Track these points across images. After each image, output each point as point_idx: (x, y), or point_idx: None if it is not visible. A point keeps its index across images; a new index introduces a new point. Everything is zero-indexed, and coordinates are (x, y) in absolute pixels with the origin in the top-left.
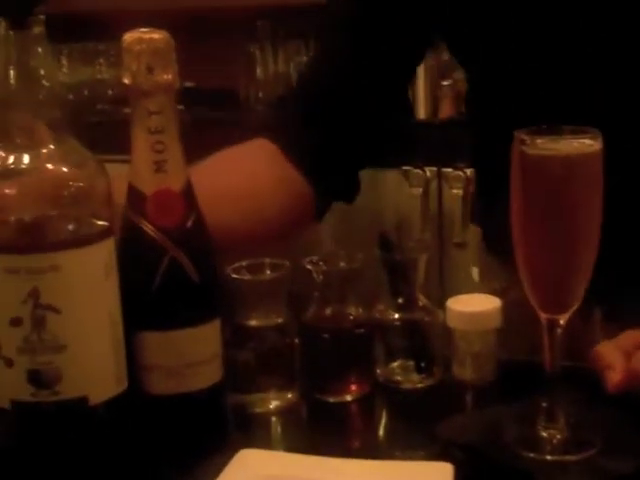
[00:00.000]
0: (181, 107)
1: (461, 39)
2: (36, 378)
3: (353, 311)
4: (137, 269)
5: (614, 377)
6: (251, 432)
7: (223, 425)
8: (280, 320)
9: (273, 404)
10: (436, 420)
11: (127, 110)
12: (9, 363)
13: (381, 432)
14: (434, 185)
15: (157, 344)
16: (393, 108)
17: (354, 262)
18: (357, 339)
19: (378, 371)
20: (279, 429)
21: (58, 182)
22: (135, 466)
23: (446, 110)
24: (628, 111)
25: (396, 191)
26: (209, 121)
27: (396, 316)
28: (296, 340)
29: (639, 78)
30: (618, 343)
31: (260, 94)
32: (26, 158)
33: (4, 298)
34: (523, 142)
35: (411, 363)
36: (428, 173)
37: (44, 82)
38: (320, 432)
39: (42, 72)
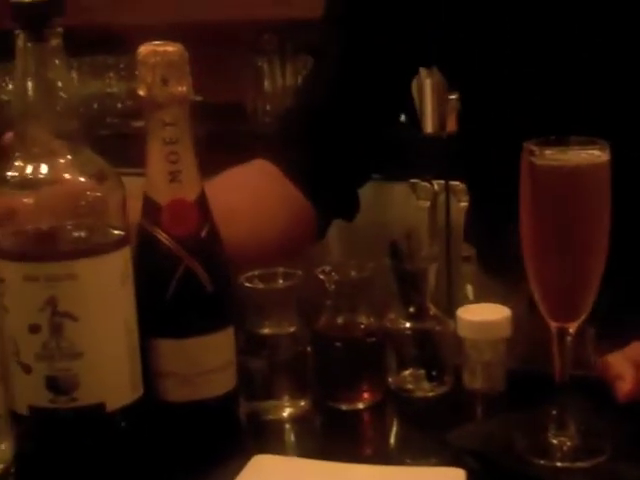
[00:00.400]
0: None
1: (453, 58)
2: (54, 384)
3: (364, 320)
4: (152, 278)
5: (624, 387)
6: (264, 439)
7: (237, 432)
8: (292, 329)
9: (286, 412)
10: (447, 428)
11: (136, 124)
12: (27, 369)
13: (393, 439)
14: (442, 198)
15: (172, 352)
16: (389, 124)
17: (365, 271)
18: (369, 348)
19: (390, 379)
20: (292, 436)
21: (75, 192)
22: (150, 472)
23: (453, 124)
24: (628, 123)
25: (404, 204)
26: (217, 134)
27: (407, 325)
28: (308, 348)
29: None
30: (626, 354)
31: (268, 107)
32: (44, 168)
33: (23, 305)
34: (532, 153)
35: (422, 372)
36: (436, 186)
37: (61, 94)
38: (332, 439)
39: (59, 84)
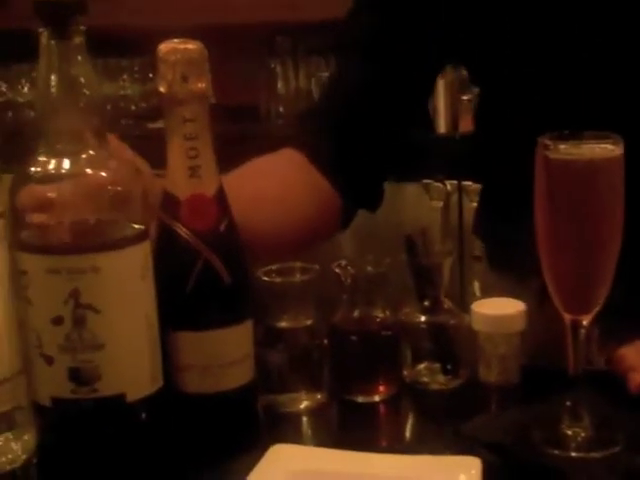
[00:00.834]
0: None
1: (475, 52)
2: (76, 376)
3: (380, 314)
4: (172, 271)
5: (637, 378)
6: (282, 431)
7: (255, 423)
8: (309, 322)
9: (303, 404)
10: (462, 420)
11: (151, 125)
12: (50, 361)
13: (408, 432)
14: (455, 198)
15: (191, 344)
16: (413, 120)
17: (381, 266)
18: (384, 341)
19: (405, 373)
20: (309, 428)
21: (97, 186)
22: (170, 461)
23: (466, 124)
24: None
25: (417, 204)
26: (231, 136)
27: (422, 319)
28: (325, 342)
29: None
30: (639, 346)
31: (281, 109)
32: (66, 163)
33: (46, 298)
34: (546, 147)
35: (437, 365)
36: (449, 187)
37: (84, 90)
38: (348, 431)
39: (82, 80)
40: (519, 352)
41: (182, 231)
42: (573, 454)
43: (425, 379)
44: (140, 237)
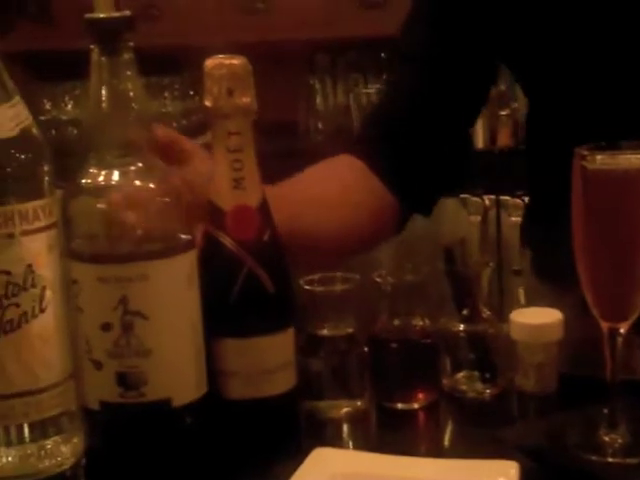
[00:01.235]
0: None
1: (524, 62)
2: (123, 380)
3: (420, 322)
4: (217, 280)
5: None
6: (323, 437)
7: (296, 429)
8: (350, 330)
9: (343, 411)
10: (500, 427)
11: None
12: (98, 366)
13: (446, 438)
14: (493, 213)
15: (234, 351)
16: (469, 126)
17: (420, 275)
18: (423, 349)
19: (444, 381)
20: (349, 434)
21: (145, 197)
22: (214, 465)
23: (504, 139)
24: None
25: (455, 219)
26: (270, 152)
27: (461, 327)
28: (365, 349)
29: None
30: None
31: (320, 125)
32: (116, 175)
33: (96, 305)
34: (583, 158)
35: (476, 373)
36: (487, 201)
37: (133, 104)
38: (388, 437)
39: (131, 95)
40: (556, 361)
41: (227, 241)
42: (610, 460)
43: (463, 387)
44: (186, 246)
